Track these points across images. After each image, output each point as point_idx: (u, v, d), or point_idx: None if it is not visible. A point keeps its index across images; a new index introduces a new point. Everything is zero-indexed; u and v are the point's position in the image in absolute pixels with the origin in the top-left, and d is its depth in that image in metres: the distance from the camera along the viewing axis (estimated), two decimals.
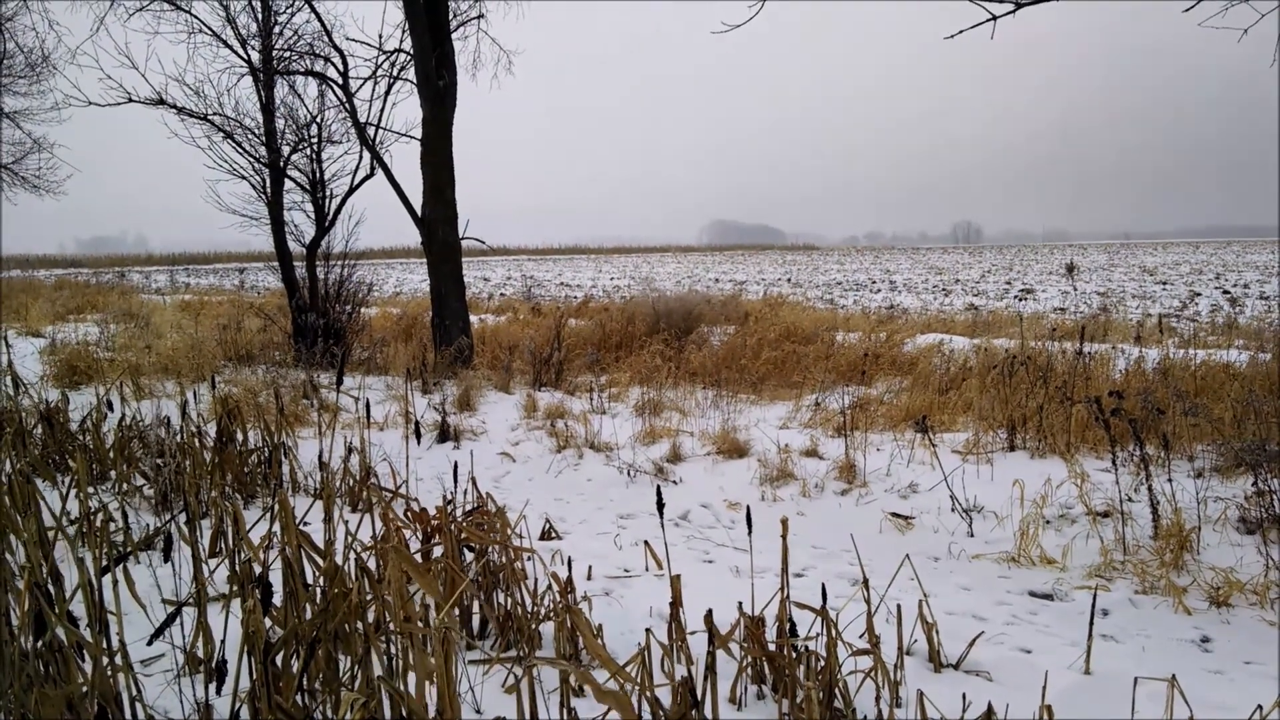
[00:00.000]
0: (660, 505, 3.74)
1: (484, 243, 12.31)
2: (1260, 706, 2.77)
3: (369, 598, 3.11)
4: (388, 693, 2.69)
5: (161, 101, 11.58)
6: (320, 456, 5.41)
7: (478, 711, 3.27)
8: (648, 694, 2.82)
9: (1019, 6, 5.26)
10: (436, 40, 11.30)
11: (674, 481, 6.79)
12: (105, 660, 2.69)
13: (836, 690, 3.17)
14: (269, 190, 12.23)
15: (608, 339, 12.23)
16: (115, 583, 2.86)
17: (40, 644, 2.66)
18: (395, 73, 12.43)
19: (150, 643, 2.99)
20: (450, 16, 11.84)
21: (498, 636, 3.89)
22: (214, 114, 11.83)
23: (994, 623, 4.28)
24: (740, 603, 3.46)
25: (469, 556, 4.04)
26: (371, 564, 3.45)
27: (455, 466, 4.58)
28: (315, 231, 12.33)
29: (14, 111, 16.82)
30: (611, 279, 36.74)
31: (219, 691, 2.89)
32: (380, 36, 12.36)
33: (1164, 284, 27.95)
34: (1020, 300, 21.99)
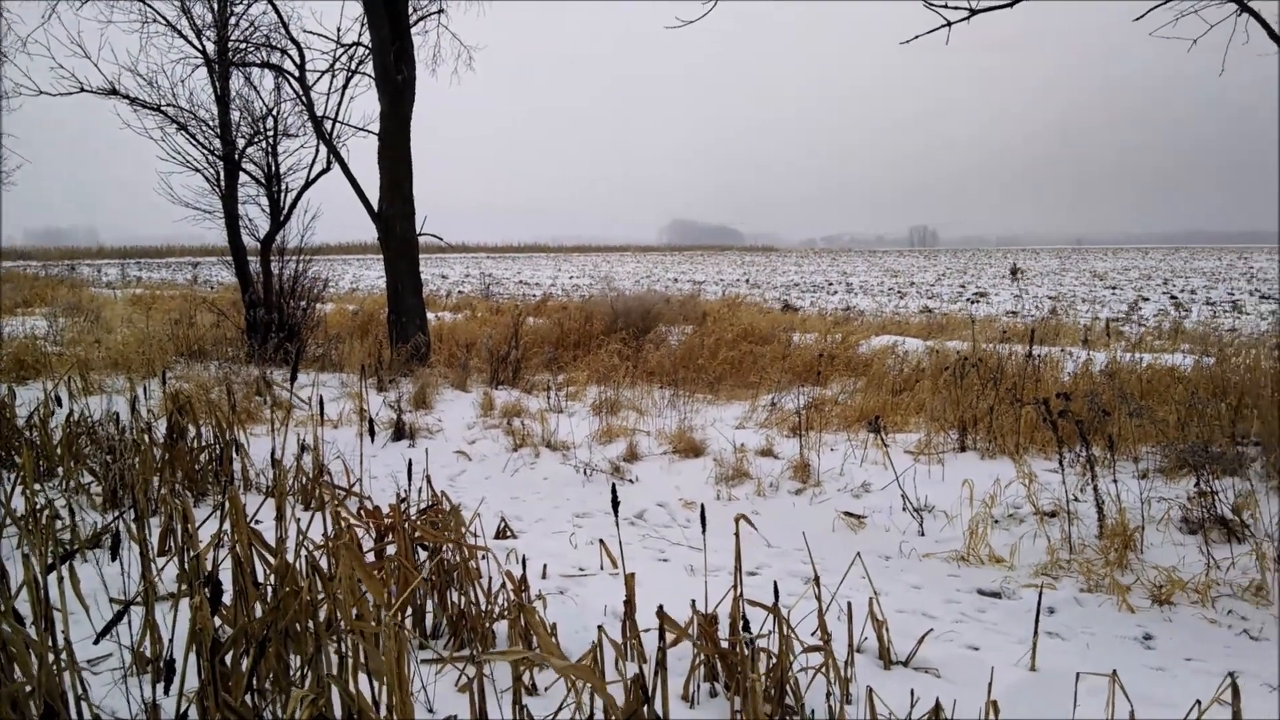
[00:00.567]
0: (615, 504, 3.76)
1: (442, 239, 12.25)
2: (1199, 702, 2.84)
3: (321, 596, 3.09)
4: (339, 691, 2.68)
5: (114, 92, 11.39)
6: (273, 454, 5.36)
7: (430, 710, 3.26)
8: (601, 692, 2.83)
9: (973, 13, 5.36)
10: (395, 34, 11.21)
11: (630, 480, 6.80)
12: (51, 659, 2.65)
13: (788, 687, 3.21)
14: (223, 183, 12.07)
15: (566, 338, 12.22)
16: (61, 580, 2.82)
17: None
18: (354, 66, 12.32)
19: (97, 641, 2.96)
20: (410, 11, 11.76)
21: (451, 636, 3.88)
22: (167, 105, 11.67)
23: (943, 620, 4.34)
24: (694, 601, 3.48)
25: (423, 555, 4.02)
26: (325, 563, 3.43)
27: (410, 465, 4.56)
28: (270, 226, 12.19)
29: None
30: (571, 278, 36.69)
31: (167, 691, 2.86)
32: (338, 30, 12.26)
33: (1113, 289, 28.48)
34: (973, 303, 22.29)
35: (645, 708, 2.74)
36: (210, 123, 11.86)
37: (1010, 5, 5.56)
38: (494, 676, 3.26)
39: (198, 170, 11.97)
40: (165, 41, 11.72)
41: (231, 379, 9.35)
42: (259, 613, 2.87)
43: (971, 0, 5.79)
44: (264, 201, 12.26)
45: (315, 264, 12.50)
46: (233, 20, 11.81)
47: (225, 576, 3.52)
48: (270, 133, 12.12)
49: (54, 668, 2.66)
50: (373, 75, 11.43)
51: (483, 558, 4.53)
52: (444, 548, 3.95)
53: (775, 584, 3.36)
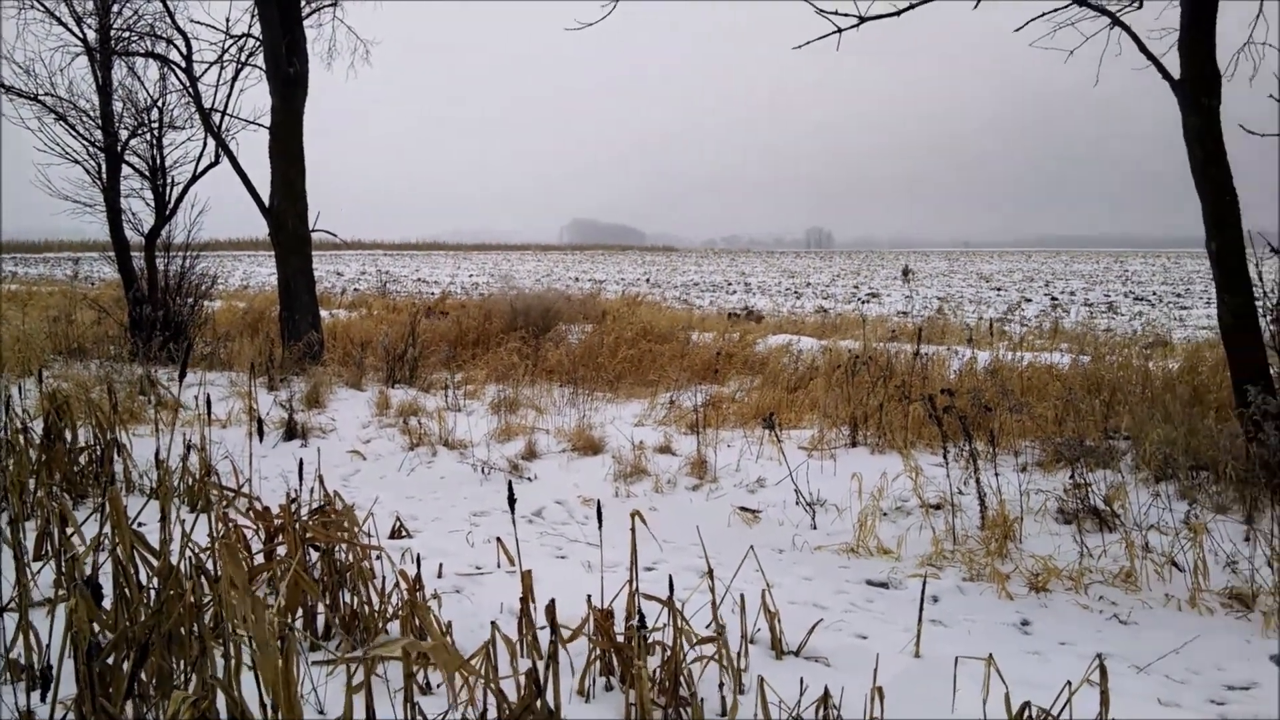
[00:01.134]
0: (512, 501, 3.76)
1: (336, 236, 12.01)
2: (1069, 683, 2.97)
3: (207, 599, 3.01)
4: (224, 695, 2.62)
5: None
6: (157, 454, 5.19)
7: (320, 712, 3.21)
8: (493, 687, 2.83)
9: (862, 21, 5.52)
10: (287, 26, 10.94)
11: (529, 478, 6.79)
12: None
13: (681, 678, 3.26)
14: (105, 176, 11.59)
15: (465, 336, 12.11)
16: None
17: None
18: (244, 58, 11.98)
19: None
20: (302, 3, 11.49)
21: (343, 637, 3.82)
22: (45, 94, 11.16)
23: (833, 610, 4.46)
24: (589, 596, 3.50)
25: (314, 556, 3.95)
26: (213, 565, 3.34)
27: (300, 464, 4.48)
28: (155, 220, 11.76)
29: None
30: (471, 276, 36.34)
31: (44, 698, 2.75)
32: (228, 20, 11.90)
33: (998, 290, 29.55)
34: (864, 303, 22.86)
35: (538, 702, 2.75)
36: (91, 113, 11.38)
37: (898, 15, 5.74)
38: (387, 676, 3.23)
39: (77, 162, 11.48)
40: (43, 28, 11.17)
41: (114, 378, 9.00)
42: (142, 616, 2.78)
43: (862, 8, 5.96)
44: (149, 195, 11.82)
45: (203, 260, 12.11)
46: (115, 8, 11.36)
47: (107, 581, 3.40)
48: (155, 124, 11.69)
49: None
50: (264, 68, 11.13)
51: (377, 557, 4.46)
52: (336, 548, 3.89)
53: (670, 578, 3.41)
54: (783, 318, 16.69)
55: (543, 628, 3.56)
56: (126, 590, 2.90)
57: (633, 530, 3.44)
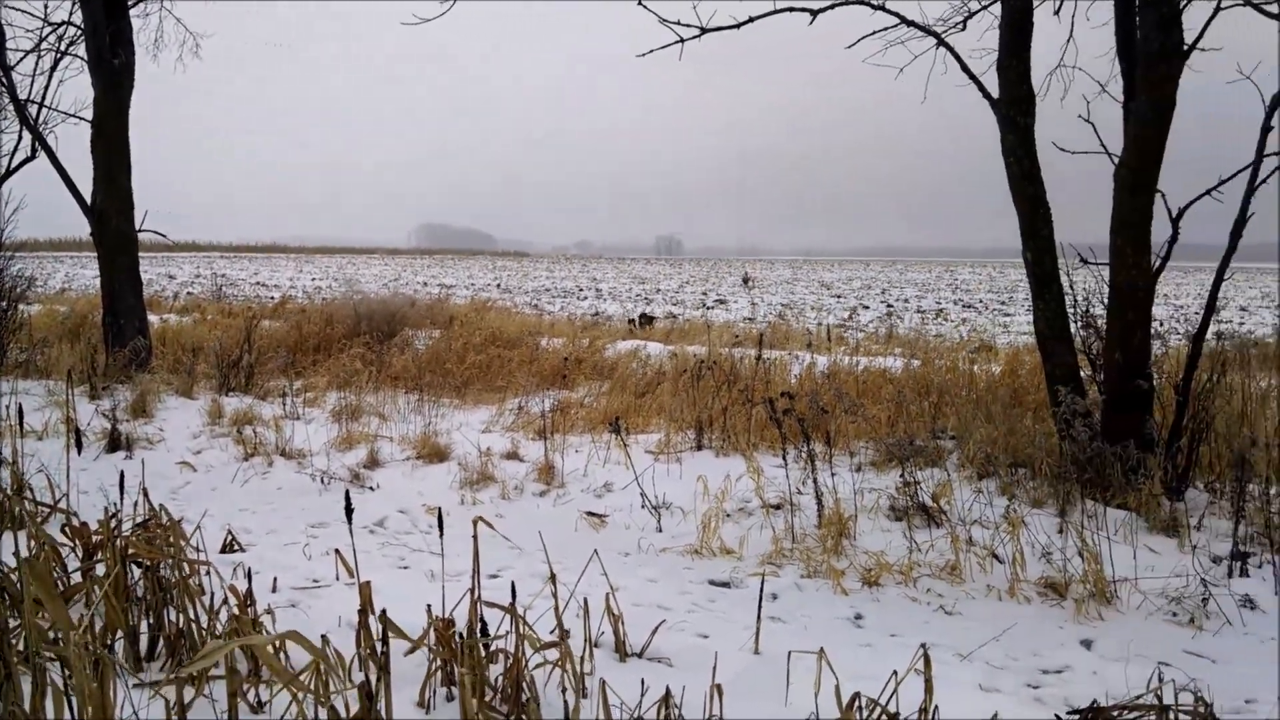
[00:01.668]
0: (349, 510, 3.66)
1: (165, 236, 11.40)
2: (895, 672, 3.10)
3: (16, 623, 2.82)
4: None
5: None
6: None
7: None
8: (323, 701, 2.75)
9: (704, 31, 5.64)
10: (111, 15, 10.34)
11: (371, 488, 6.64)
12: None
13: (524, 684, 3.24)
14: None
15: (305, 341, 11.71)
16: None
17: None
18: (63, 47, 11.25)
19: None
20: None
21: (168, 657, 3.64)
22: None
23: (677, 611, 4.52)
24: (429, 605, 3.44)
25: (137, 573, 3.75)
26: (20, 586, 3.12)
27: (122, 477, 4.24)
28: None
29: None
30: (313, 279, 35.22)
31: None
32: (45, 7, 11.14)
33: (838, 297, 30.66)
34: (709, 309, 23.33)
35: (370, 713, 2.69)
36: None
37: (738, 27, 5.90)
38: (214, 696, 3.09)
39: None
40: None
41: None
42: None
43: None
44: None
45: (19, 261, 11.32)
46: None
47: None
48: None
49: None
50: (85, 58, 10.49)
51: (206, 573, 4.27)
52: (161, 565, 3.70)
53: (513, 584, 3.40)
54: (692, 322, 16.82)
55: (383, 640, 3.48)
56: None
57: (475, 538, 3.40)
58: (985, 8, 7.03)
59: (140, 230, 10.80)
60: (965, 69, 6.59)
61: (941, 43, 6.76)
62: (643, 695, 3.14)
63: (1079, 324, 6.65)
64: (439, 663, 3.43)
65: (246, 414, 8.31)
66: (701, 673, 3.61)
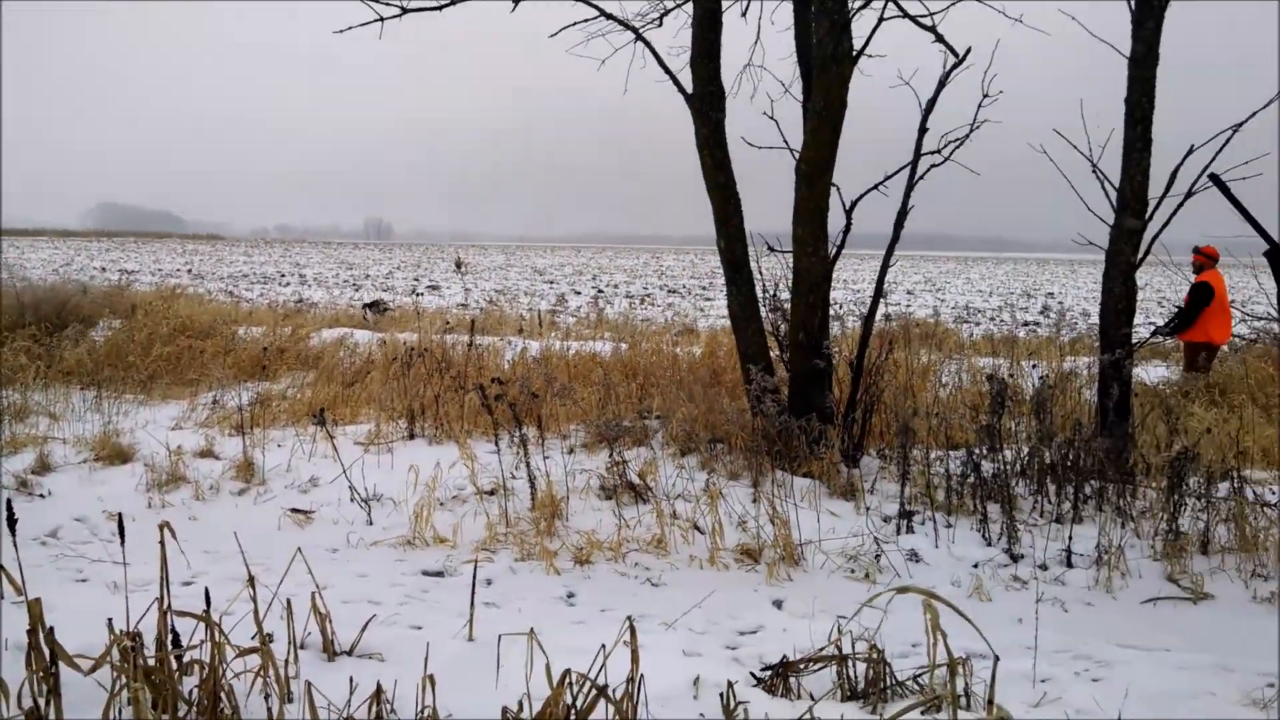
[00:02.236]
0: (12, 522, 3.31)
1: None
2: (604, 645, 3.22)
3: None
4: None
5: None
6: None
7: None
8: None
9: (405, 11, 5.52)
10: None
11: (41, 495, 6.00)
12: None
13: (222, 695, 3.07)
14: None
15: None
16: None
17: None
18: None
19: None
20: None
21: None
22: None
23: (388, 604, 4.44)
24: (111, 619, 3.17)
25: None
26: None
27: None
28: None
29: None
30: None
31: None
32: None
33: (551, 283, 31.10)
34: (419, 296, 22.96)
35: None
36: None
37: (440, 9, 5.82)
38: None
39: None
40: None
41: None
42: None
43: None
44: None
45: None
46: None
47: None
48: None
49: None
50: None
51: None
52: None
53: (206, 590, 3.21)
54: (340, 310, 16.21)
55: (52, 660, 3.17)
56: None
57: (162, 543, 3.18)
58: (679, 6, 7.35)
59: None
60: (662, 64, 6.87)
61: (639, 37, 7.01)
62: (352, 693, 3.06)
63: (768, 307, 7.14)
64: (124, 680, 3.17)
65: None
66: (414, 665, 3.57)
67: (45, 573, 4.78)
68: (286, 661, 3.35)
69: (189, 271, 31.97)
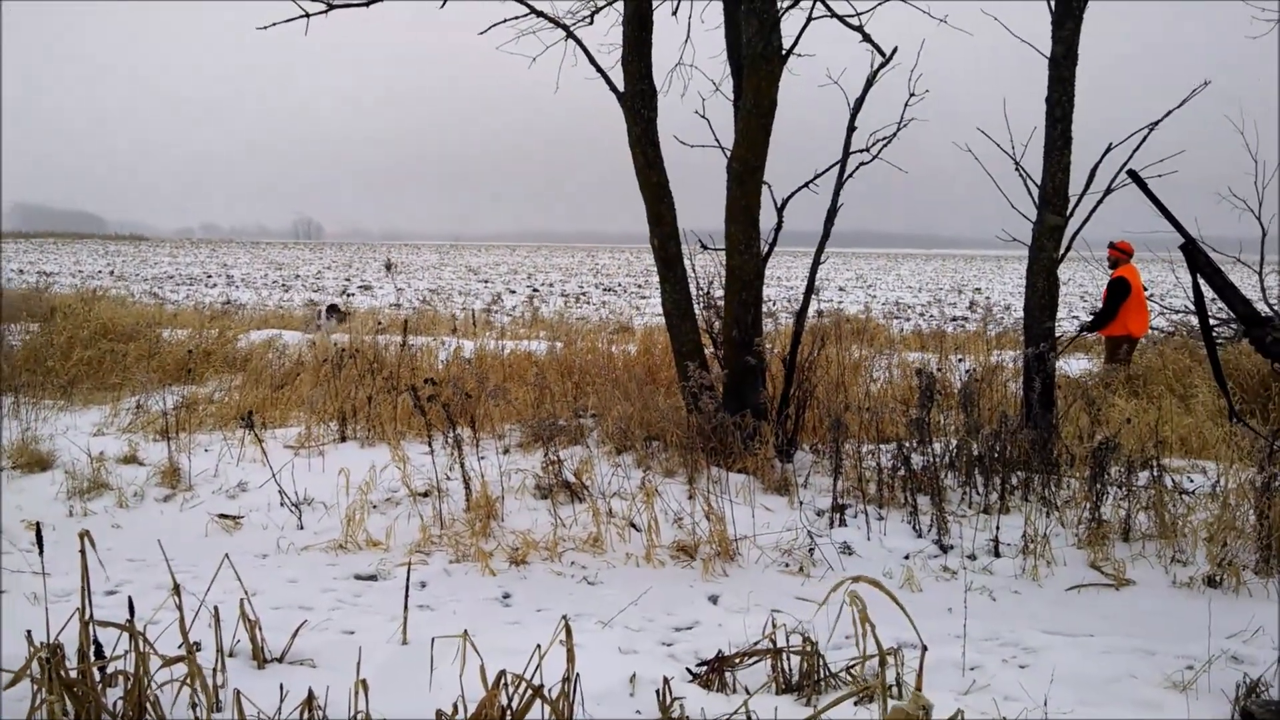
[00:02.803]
0: None
1: None
2: (540, 645, 3.21)
3: None
4: None
5: None
6: None
7: None
8: None
9: (331, 8, 5.43)
10: None
11: None
12: None
13: (148, 705, 2.99)
14: None
15: None
16: None
17: None
18: None
19: None
20: None
21: None
22: None
23: (320, 610, 4.37)
24: (30, 631, 3.07)
25: None
26: None
27: None
28: None
29: None
30: None
31: None
32: None
33: (485, 282, 30.88)
34: (353, 296, 22.64)
35: None
36: None
37: (367, 5, 5.73)
38: None
39: None
40: None
41: None
42: None
43: None
44: None
45: None
46: None
47: None
48: None
49: None
50: None
51: None
52: None
53: (130, 599, 3.13)
54: (269, 312, 15.92)
55: None
56: None
57: (82, 552, 3.09)
58: (610, 4, 7.36)
59: None
60: (593, 62, 6.86)
61: (570, 35, 6.99)
62: (282, 700, 3.01)
63: (702, 305, 7.17)
64: (44, 695, 3.08)
65: None
66: (347, 670, 3.53)
67: None
68: (215, 670, 3.28)
69: (111, 273, 31.11)
